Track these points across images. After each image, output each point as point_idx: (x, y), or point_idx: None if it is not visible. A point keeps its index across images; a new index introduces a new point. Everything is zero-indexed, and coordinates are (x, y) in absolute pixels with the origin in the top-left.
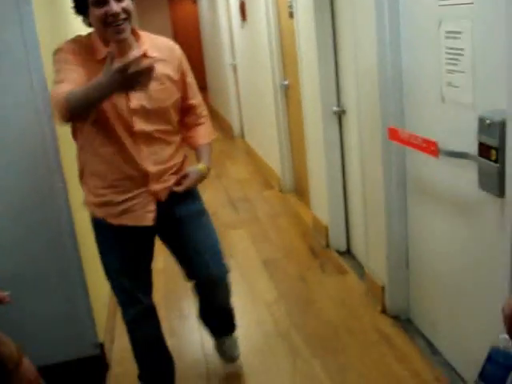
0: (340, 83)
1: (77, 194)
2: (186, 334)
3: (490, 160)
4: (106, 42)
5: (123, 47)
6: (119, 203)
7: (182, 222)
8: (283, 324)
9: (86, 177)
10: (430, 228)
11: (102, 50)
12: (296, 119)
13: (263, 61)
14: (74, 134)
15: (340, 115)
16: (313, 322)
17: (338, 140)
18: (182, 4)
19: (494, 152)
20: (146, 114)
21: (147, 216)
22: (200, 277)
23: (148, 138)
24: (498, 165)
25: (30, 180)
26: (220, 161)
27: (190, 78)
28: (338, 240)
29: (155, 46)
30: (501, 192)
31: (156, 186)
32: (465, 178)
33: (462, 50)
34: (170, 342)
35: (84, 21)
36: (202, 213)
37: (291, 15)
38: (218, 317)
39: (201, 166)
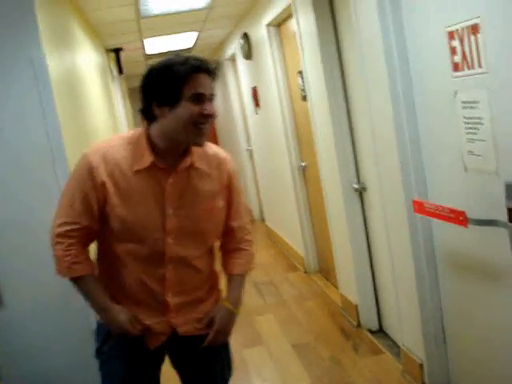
0: (358, 160)
1: None
2: None
3: None
4: (157, 150)
5: (173, 154)
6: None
7: (206, 359)
8: None
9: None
10: (464, 299)
11: (146, 160)
12: (316, 199)
13: (279, 144)
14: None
15: (361, 192)
16: None
17: (361, 217)
18: None
19: None
20: (183, 235)
21: (153, 340)
22: None
23: (178, 264)
24: None
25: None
26: None
27: (237, 197)
28: (369, 319)
29: (204, 157)
30: None
31: (176, 319)
32: (496, 245)
33: (480, 118)
34: None
35: (150, 113)
36: (227, 359)
37: (304, 98)
38: None
39: (226, 303)
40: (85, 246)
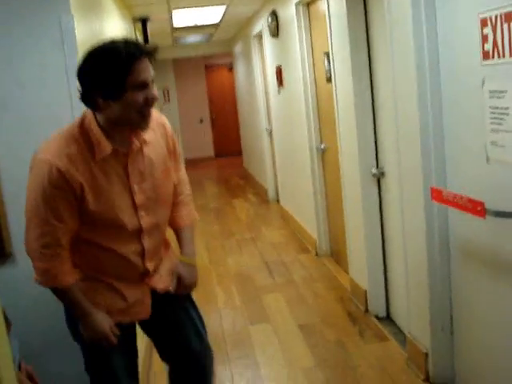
0: (379, 146)
1: None
2: None
3: None
4: (111, 138)
5: (125, 135)
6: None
7: (168, 308)
8: None
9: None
10: (476, 292)
11: (105, 147)
12: (332, 183)
13: (299, 125)
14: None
15: (379, 178)
16: None
17: (377, 203)
18: (218, 71)
19: None
20: (151, 205)
21: (144, 310)
22: (179, 354)
23: (151, 232)
24: None
25: None
26: (255, 225)
27: (176, 152)
28: (377, 305)
29: (150, 129)
30: None
31: (153, 281)
32: None
33: (506, 109)
34: None
35: (95, 104)
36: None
37: (328, 80)
38: None
39: (185, 259)
40: (67, 251)
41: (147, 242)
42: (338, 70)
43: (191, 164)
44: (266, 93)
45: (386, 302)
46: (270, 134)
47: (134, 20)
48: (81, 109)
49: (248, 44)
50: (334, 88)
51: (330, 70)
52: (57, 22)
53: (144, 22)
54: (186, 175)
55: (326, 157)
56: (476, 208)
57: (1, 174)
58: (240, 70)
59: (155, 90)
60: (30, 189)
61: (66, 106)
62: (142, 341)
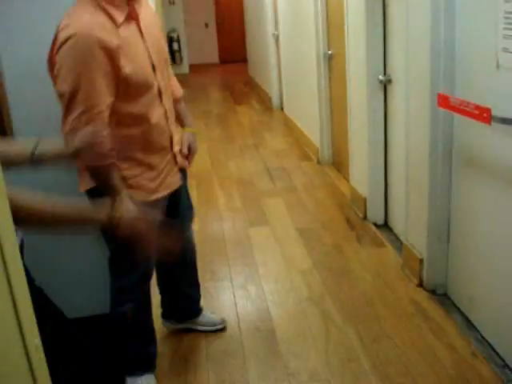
0: (387, 51)
1: None
2: (220, 294)
3: None
4: (117, 6)
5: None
6: (156, 177)
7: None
8: (317, 291)
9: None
10: (475, 202)
11: (119, 11)
12: (338, 90)
13: (307, 30)
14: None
15: (385, 85)
16: (347, 291)
17: (382, 110)
18: None
19: None
20: (161, 66)
21: (177, 178)
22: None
23: (166, 93)
24: None
25: None
26: (258, 132)
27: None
28: (375, 212)
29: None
30: None
31: (175, 149)
32: None
33: None
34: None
35: None
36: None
37: None
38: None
39: (189, 129)
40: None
41: (167, 103)
42: None
43: (195, 70)
44: None
45: (384, 209)
46: (277, 39)
47: None
48: None
49: None
50: None
51: None
52: None
53: None
54: None
55: (333, 63)
56: (482, 114)
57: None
58: None
59: None
60: (69, 66)
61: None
62: None
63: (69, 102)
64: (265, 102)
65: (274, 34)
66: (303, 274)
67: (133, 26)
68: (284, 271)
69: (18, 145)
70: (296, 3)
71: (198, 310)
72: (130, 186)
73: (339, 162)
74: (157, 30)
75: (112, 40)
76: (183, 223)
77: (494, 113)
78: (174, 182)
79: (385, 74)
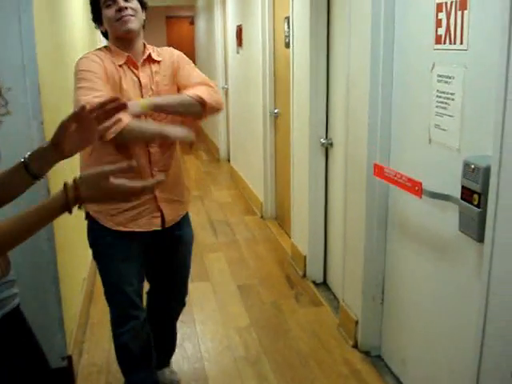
0: (330, 116)
1: None
2: None
3: (472, 204)
4: (124, 45)
5: (136, 50)
6: (127, 210)
7: (179, 242)
8: (253, 350)
9: None
10: (407, 266)
11: (120, 57)
12: (283, 147)
13: (255, 87)
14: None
15: (327, 147)
16: (283, 350)
17: (324, 172)
18: (179, 24)
19: (476, 197)
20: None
21: (155, 221)
22: (162, 301)
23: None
24: (479, 210)
25: None
26: (204, 183)
27: (186, 68)
28: (315, 271)
29: (158, 53)
30: (480, 237)
31: (161, 195)
32: (446, 219)
33: (452, 94)
34: None
35: (102, 33)
36: (191, 241)
37: (287, 45)
38: (162, 338)
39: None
40: None
41: (154, 147)
42: (296, 37)
43: None
44: (225, 51)
45: (323, 268)
46: (226, 92)
47: None
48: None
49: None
50: (291, 54)
51: (289, 35)
52: None
53: None
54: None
55: (278, 121)
56: (414, 187)
57: None
58: (201, 25)
59: (129, 4)
60: (75, 83)
61: (16, 48)
62: (82, 291)
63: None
64: (212, 152)
65: (223, 87)
66: (240, 332)
67: (132, 71)
68: (221, 329)
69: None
70: (246, 61)
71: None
72: (99, 211)
73: (282, 218)
74: (163, 80)
75: (111, 70)
76: (173, 279)
77: (424, 186)
78: (150, 224)
79: (327, 137)
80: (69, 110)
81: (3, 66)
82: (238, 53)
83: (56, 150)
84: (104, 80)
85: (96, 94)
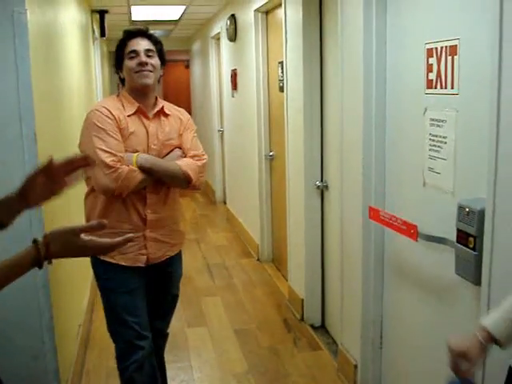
0: (324, 159)
1: None
2: None
3: (468, 247)
4: (137, 96)
5: (148, 101)
6: None
7: (167, 279)
8: None
9: (89, 217)
10: (405, 309)
11: (131, 106)
12: (279, 190)
13: (251, 130)
14: (87, 180)
15: (323, 190)
16: None
17: (320, 214)
18: (174, 67)
19: (472, 240)
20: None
21: (140, 258)
22: (154, 327)
23: (155, 186)
24: (475, 253)
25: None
26: (200, 226)
27: (189, 133)
28: (313, 314)
29: (168, 108)
30: (477, 280)
31: (150, 234)
32: (442, 262)
33: (445, 137)
34: None
35: (120, 79)
36: (180, 277)
37: (281, 89)
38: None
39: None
40: None
41: (150, 196)
42: (290, 81)
43: None
44: (221, 94)
45: (321, 311)
46: (222, 135)
47: (93, 11)
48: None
49: (206, 44)
50: (285, 98)
51: (283, 79)
52: (9, 14)
53: (102, 14)
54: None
55: (274, 164)
56: (410, 230)
57: None
58: (196, 69)
59: (151, 60)
60: (82, 137)
61: (13, 98)
62: (77, 338)
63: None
64: (208, 195)
65: (219, 130)
66: (239, 379)
67: (141, 122)
68: (219, 375)
69: None
70: (240, 104)
71: None
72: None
73: (279, 260)
74: (171, 133)
75: (121, 119)
76: (163, 309)
77: (420, 229)
78: (135, 259)
79: (322, 180)
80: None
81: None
82: (233, 96)
83: (22, 200)
84: (116, 132)
85: (114, 159)
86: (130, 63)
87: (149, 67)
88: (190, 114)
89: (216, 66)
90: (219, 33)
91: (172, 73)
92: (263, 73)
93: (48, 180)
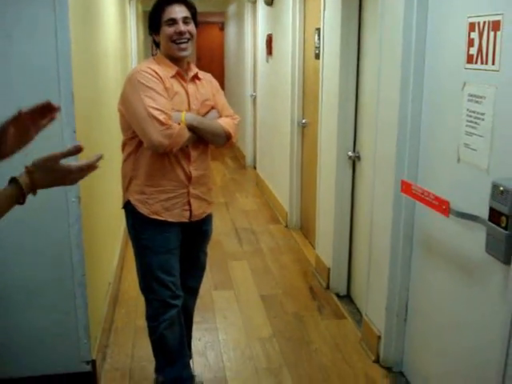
0: (358, 130)
1: (89, 209)
2: None
3: (500, 226)
4: (173, 60)
5: (183, 66)
6: (163, 201)
7: (203, 237)
8: (275, 362)
9: (133, 177)
10: (432, 284)
11: (170, 69)
12: (310, 158)
13: (284, 97)
14: (124, 144)
15: (354, 160)
16: (305, 363)
17: (350, 185)
18: (209, 29)
19: (504, 219)
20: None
21: (185, 214)
22: (186, 285)
23: (196, 144)
24: (507, 232)
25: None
26: (230, 190)
27: (221, 96)
28: (338, 283)
29: (201, 73)
30: (507, 259)
31: (193, 191)
32: (473, 240)
33: (482, 114)
34: None
35: (154, 41)
36: (211, 236)
37: (317, 56)
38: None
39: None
40: None
41: (193, 148)
42: (326, 49)
43: None
44: (255, 59)
45: (347, 281)
46: (254, 100)
47: None
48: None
49: (242, 7)
50: (321, 65)
51: (319, 46)
52: None
53: None
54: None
55: (306, 132)
56: (441, 206)
57: None
58: (231, 31)
59: (187, 27)
60: (130, 97)
61: (52, 59)
62: (107, 296)
63: (142, 122)
64: (238, 159)
65: (251, 95)
66: (263, 343)
67: (181, 83)
68: (244, 339)
69: None
70: (275, 70)
71: None
72: (138, 200)
73: (307, 228)
74: (205, 95)
75: (165, 80)
76: (196, 266)
77: (452, 205)
78: (180, 215)
79: (354, 150)
80: (98, 118)
81: (39, 76)
82: (267, 61)
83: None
84: (163, 91)
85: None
86: (168, 30)
87: (187, 35)
88: (223, 76)
89: (251, 29)
90: None
91: (206, 35)
92: (299, 39)
93: (17, 131)
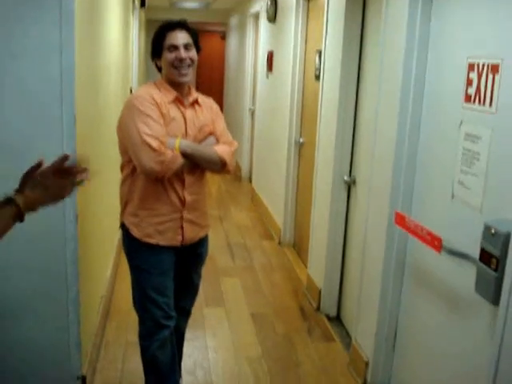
0: (354, 155)
1: (85, 225)
2: None
3: (490, 267)
4: (173, 85)
5: (183, 91)
6: (157, 224)
7: (196, 259)
8: (263, 382)
9: (129, 200)
10: (421, 315)
11: (172, 94)
12: (305, 177)
13: (282, 114)
14: (123, 166)
15: (350, 185)
16: None
17: (345, 209)
18: (210, 37)
19: (494, 261)
20: (196, 140)
21: (177, 238)
22: (179, 305)
23: (191, 169)
24: (496, 274)
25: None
26: (224, 203)
27: (220, 121)
28: (329, 305)
29: (201, 98)
30: (495, 300)
31: (187, 215)
32: (463, 277)
33: (478, 154)
34: None
35: (156, 66)
36: (205, 258)
37: (317, 77)
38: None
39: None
40: None
41: (188, 179)
42: (327, 71)
43: None
44: (255, 73)
45: (338, 302)
46: (253, 114)
47: None
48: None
49: (244, 21)
50: (320, 87)
51: (319, 68)
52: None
53: None
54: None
55: (302, 151)
56: (434, 242)
57: None
58: (232, 42)
59: (188, 54)
60: (126, 122)
61: (55, 81)
62: (99, 310)
63: (136, 148)
64: (235, 171)
65: (250, 109)
66: (252, 363)
67: (179, 109)
68: (233, 358)
69: None
70: (274, 86)
71: None
72: (132, 223)
73: (300, 245)
74: (204, 120)
75: (162, 105)
76: (189, 289)
77: (444, 242)
78: (172, 239)
79: (350, 174)
80: (98, 138)
81: (43, 94)
82: (267, 77)
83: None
84: (159, 117)
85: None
86: (169, 56)
87: (187, 61)
88: (222, 84)
89: (253, 43)
90: (259, 11)
91: (207, 43)
92: (300, 59)
93: (43, 180)
